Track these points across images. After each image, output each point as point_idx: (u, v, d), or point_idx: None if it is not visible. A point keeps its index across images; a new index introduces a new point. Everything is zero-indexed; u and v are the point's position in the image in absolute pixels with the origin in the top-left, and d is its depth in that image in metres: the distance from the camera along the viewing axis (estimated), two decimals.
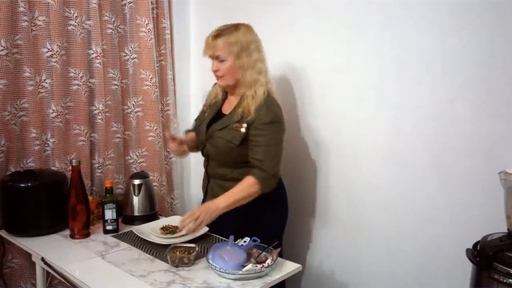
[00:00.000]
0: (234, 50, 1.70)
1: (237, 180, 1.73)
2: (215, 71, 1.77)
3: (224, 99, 1.90)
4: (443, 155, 1.72)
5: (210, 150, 1.86)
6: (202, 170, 2.00)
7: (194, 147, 2.00)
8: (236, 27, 1.74)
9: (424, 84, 1.74)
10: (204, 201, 1.96)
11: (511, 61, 1.52)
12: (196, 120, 2.02)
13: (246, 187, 1.69)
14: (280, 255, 1.61)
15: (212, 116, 1.88)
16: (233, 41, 1.70)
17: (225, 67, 1.73)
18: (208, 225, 1.75)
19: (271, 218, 1.90)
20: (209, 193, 1.95)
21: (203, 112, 1.99)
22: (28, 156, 2.02)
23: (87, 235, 1.88)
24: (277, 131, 1.75)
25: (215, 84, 1.92)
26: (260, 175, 1.70)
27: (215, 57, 1.75)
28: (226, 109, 1.86)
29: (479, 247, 1.38)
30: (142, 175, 2.12)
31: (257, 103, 1.71)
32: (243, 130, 1.73)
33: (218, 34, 1.72)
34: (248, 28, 1.77)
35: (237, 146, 1.74)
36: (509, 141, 1.55)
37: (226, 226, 1.77)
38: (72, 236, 1.86)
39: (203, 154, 1.93)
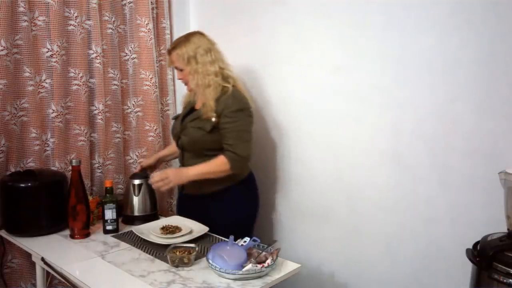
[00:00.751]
0: (185, 58, 1.92)
1: None
2: (180, 79, 2.02)
3: (195, 104, 2.08)
4: (443, 155, 1.72)
5: (184, 140, 2.00)
6: None
7: (173, 154, 2.26)
8: (186, 37, 1.96)
9: (424, 84, 1.74)
10: (181, 196, 2.17)
11: (511, 61, 1.52)
12: (173, 118, 2.25)
13: (217, 163, 1.88)
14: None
15: (186, 112, 2.08)
16: (184, 51, 1.92)
17: (184, 74, 1.96)
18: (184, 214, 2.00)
19: (242, 209, 2.03)
20: (186, 186, 2.04)
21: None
22: (28, 156, 2.02)
23: (87, 235, 1.88)
24: (245, 117, 1.92)
25: None
26: (231, 156, 1.87)
27: (176, 68, 2.01)
28: (198, 105, 2.03)
29: (479, 247, 1.38)
30: (142, 175, 2.12)
31: (216, 97, 1.90)
32: (213, 119, 1.89)
33: (172, 48, 1.97)
34: (198, 35, 1.97)
35: (207, 133, 1.91)
36: (509, 141, 1.55)
37: (201, 216, 1.95)
38: (72, 236, 1.86)
39: (178, 147, 2.08)
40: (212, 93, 1.90)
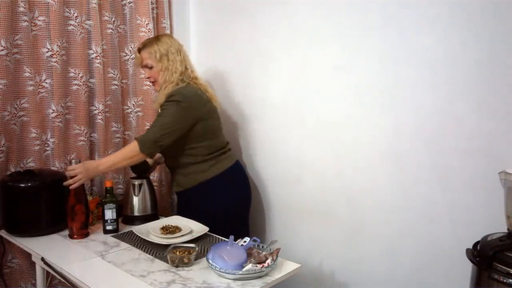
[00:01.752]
0: (157, 56, 1.99)
1: (194, 163, 2.02)
2: (148, 78, 2.07)
3: None
4: (443, 155, 1.71)
5: None
6: None
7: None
8: (156, 38, 2.05)
9: (424, 84, 1.73)
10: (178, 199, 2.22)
11: (511, 61, 1.52)
12: None
13: (126, 149, 1.92)
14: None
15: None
16: (156, 49, 1.99)
17: (153, 72, 2.01)
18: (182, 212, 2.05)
19: (230, 198, 2.08)
20: (174, 184, 2.13)
21: None
22: (28, 156, 2.02)
23: (86, 235, 1.88)
24: (176, 108, 1.91)
25: None
26: (141, 138, 1.90)
27: (145, 66, 2.04)
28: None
29: (479, 247, 1.38)
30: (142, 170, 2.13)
31: (167, 94, 1.95)
32: (160, 111, 1.96)
33: (142, 46, 2.03)
34: (168, 36, 2.09)
35: None
36: (509, 141, 1.55)
37: (188, 209, 2.06)
38: (71, 236, 1.86)
39: (161, 151, 2.07)
40: (167, 90, 1.96)
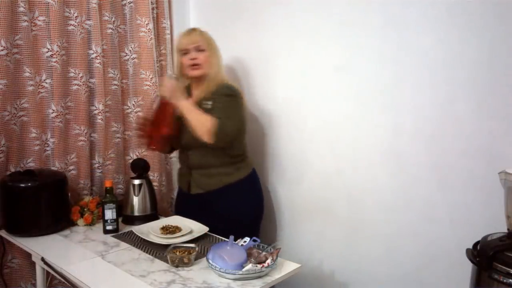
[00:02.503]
0: (210, 43, 1.96)
1: (220, 165, 1.95)
2: (193, 59, 1.94)
3: (189, 96, 2.01)
4: (443, 155, 1.72)
5: (189, 138, 1.92)
6: None
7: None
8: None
9: (424, 84, 1.74)
10: (183, 194, 2.10)
11: (511, 61, 1.52)
12: None
13: (206, 119, 1.81)
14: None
15: None
16: (209, 37, 1.97)
17: (204, 56, 1.93)
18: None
19: (247, 205, 2.03)
20: (193, 185, 2.02)
21: None
22: (28, 156, 2.02)
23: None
24: (236, 100, 1.91)
25: None
26: (217, 124, 1.80)
27: (194, 48, 1.93)
28: (196, 97, 1.99)
29: (479, 247, 1.38)
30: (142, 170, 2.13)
31: (217, 86, 1.92)
32: (208, 107, 1.89)
33: (194, 28, 1.98)
34: None
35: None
36: (509, 141, 1.55)
37: (206, 215, 1.96)
38: (149, 145, 1.93)
39: (183, 148, 2.04)
40: (215, 86, 1.92)
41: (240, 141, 2.02)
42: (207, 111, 1.86)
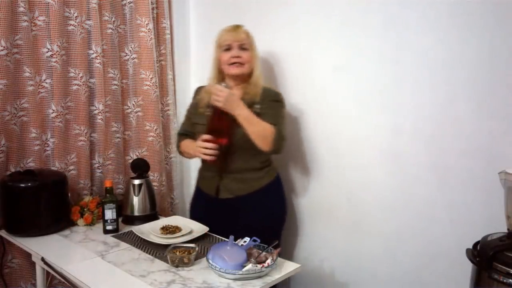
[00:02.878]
0: (254, 43, 1.91)
1: (252, 170, 1.91)
2: (236, 57, 1.86)
3: None
4: (443, 155, 1.72)
5: (238, 138, 1.81)
6: None
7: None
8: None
9: (424, 84, 1.74)
10: (209, 198, 1.97)
11: (511, 61, 1.52)
12: (193, 124, 2.01)
13: (264, 125, 1.76)
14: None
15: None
16: (252, 37, 1.92)
17: (247, 55, 1.88)
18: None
19: (273, 211, 1.97)
20: (222, 190, 1.92)
21: (199, 115, 1.96)
22: (28, 156, 2.02)
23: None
24: (282, 109, 1.93)
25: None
26: (275, 132, 1.77)
27: (237, 46, 1.87)
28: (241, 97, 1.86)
29: (479, 247, 1.38)
30: (142, 170, 2.13)
31: (261, 89, 1.89)
32: (257, 110, 1.82)
33: (239, 25, 1.91)
34: None
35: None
36: (509, 141, 1.55)
37: (232, 221, 1.87)
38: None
39: (225, 152, 1.84)
40: (260, 86, 1.89)
41: None
42: (256, 115, 1.79)
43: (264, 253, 1.55)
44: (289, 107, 2.19)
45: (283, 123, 1.88)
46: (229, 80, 1.93)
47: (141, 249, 1.74)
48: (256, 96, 1.85)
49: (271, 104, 1.86)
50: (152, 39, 2.37)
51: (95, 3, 2.13)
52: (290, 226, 2.29)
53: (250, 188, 1.91)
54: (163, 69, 2.52)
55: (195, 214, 2.08)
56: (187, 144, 1.99)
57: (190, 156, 2.04)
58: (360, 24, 1.89)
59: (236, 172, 1.90)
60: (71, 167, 2.14)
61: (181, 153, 2.08)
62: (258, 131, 1.75)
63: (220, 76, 1.95)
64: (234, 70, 1.88)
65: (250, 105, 1.80)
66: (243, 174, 1.90)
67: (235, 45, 1.87)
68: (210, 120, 1.83)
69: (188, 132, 2.05)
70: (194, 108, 2.04)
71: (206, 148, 1.76)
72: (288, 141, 2.21)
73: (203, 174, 2.04)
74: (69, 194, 2.02)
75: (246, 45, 1.88)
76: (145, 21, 2.34)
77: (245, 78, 1.91)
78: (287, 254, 1.84)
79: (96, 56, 2.17)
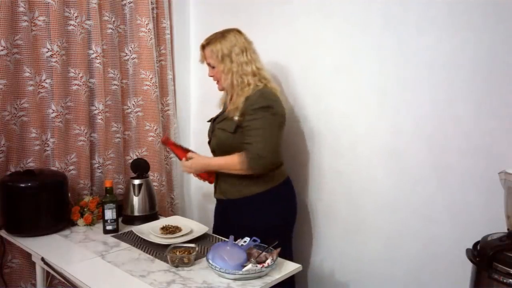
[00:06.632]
0: (219, 56, 1.84)
1: (242, 176, 1.83)
2: (210, 77, 1.92)
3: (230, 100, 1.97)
4: (443, 155, 1.71)
5: (213, 142, 1.95)
6: None
7: None
8: (222, 34, 1.87)
9: (424, 84, 1.74)
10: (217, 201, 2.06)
11: (511, 61, 1.52)
12: (208, 121, 2.10)
13: (233, 161, 1.80)
14: (289, 255, 1.61)
15: (218, 114, 2.01)
16: (218, 49, 1.84)
17: (215, 72, 1.88)
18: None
19: (275, 214, 1.90)
20: (217, 190, 1.98)
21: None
22: (28, 156, 2.02)
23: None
24: (269, 116, 1.78)
25: None
26: (247, 155, 1.76)
27: (208, 64, 1.91)
28: (230, 106, 1.91)
29: (479, 247, 1.38)
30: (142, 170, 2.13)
31: (246, 96, 1.81)
32: (236, 118, 1.81)
33: (206, 43, 1.88)
34: (235, 33, 1.88)
35: (232, 134, 1.83)
36: (509, 141, 1.55)
37: (234, 221, 1.91)
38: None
39: (210, 150, 2.00)
40: (246, 93, 1.81)
41: None
42: (234, 126, 1.81)
43: (264, 253, 1.55)
44: (289, 107, 2.20)
45: (263, 135, 1.76)
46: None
47: (141, 249, 1.74)
48: (236, 107, 1.81)
49: (253, 114, 1.77)
50: (152, 39, 2.37)
51: (95, 3, 2.13)
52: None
53: (239, 193, 1.88)
54: (163, 69, 2.52)
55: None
56: None
57: None
58: (360, 24, 1.89)
59: (225, 174, 1.90)
60: (71, 167, 2.15)
61: None
62: (229, 169, 1.84)
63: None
64: (217, 87, 1.94)
65: (228, 115, 1.85)
66: (231, 177, 1.88)
67: (207, 64, 1.92)
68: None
69: None
70: None
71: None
72: (288, 141, 2.22)
73: None
74: (69, 194, 2.03)
75: (211, 63, 1.88)
76: (145, 21, 2.34)
77: (235, 88, 1.87)
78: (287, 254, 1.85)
79: (96, 56, 2.17)
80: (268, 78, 1.89)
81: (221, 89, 1.93)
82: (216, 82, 1.92)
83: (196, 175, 2.00)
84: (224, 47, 1.83)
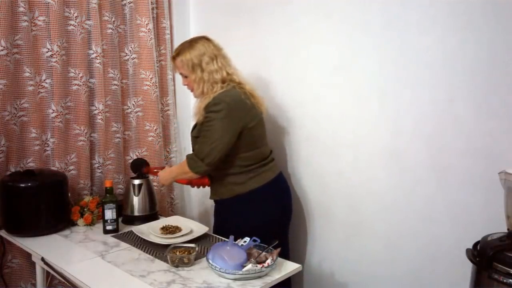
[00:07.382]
0: (189, 66, 1.86)
1: (236, 173, 1.87)
2: (185, 85, 1.96)
3: None
4: (443, 155, 1.71)
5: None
6: None
7: None
8: (190, 43, 1.89)
9: (424, 84, 1.74)
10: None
11: (511, 61, 1.52)
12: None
13: (182, 163, 1.92)
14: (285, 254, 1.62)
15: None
16: (188, 58, 1.86)
17: (187, 81, 1.91)
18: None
19: (262, 212, 1.91)
20: (212, 191, 2.00)
21: None
22: (28, 156, 2.02)
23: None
24: (217, 116, 1.78)
25: None
26: (190, 156, 1.86)
27: (180, 74, 1.94)
28: None
29: (479, 247, 1.38)
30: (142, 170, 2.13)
31: (205, 103, 1.83)
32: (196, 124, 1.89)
33: (176, 54, 1.90)
34: (203, 41, 1.89)
35: (196, 138, 1.89)
36: (509, 141, 1.55)
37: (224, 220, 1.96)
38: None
39: None
40: (208, 98, 1.82)
41: (252, 149, 1.87)
42: (196, 129, 1.90)
43: (264, 253, 1.55)
44: (289, 107, 2.20)
45: (208, 136, 1.79)
46: None
47: (141, 249, 1.74)
48: (200, 111, 1.85)
49: (207, 117, 1.80)
50: (152, 39, 2.37)
51: (95, 3, 2.13)
52: (290, 226, 2.29)
53: (231, 192, 1.89)
54: (163, 69, 2.52)
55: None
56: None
57: None
58: (360, 24, 1.89)
59: (216, 176, 1.92)
60: (71, 167, 2.15)
61: None
62: (184, 173, 1.90)
63: None
64: (193, 95, 1.96)
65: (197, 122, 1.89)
66: (223, 178, 1.90)
67: (180, 73, 1.95)
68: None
69: None
70: None
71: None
72: (288, 141, 2.22)
73: None
74: (69, 194, 2.03)
75: (183, 73, 1.90)
76: (145, 21, 2.34)
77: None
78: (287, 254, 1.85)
79: (96, 56, 2.17)
80: (237, 81, 1.89)
81: (196, 96, 1.94)
82: (190, 90, 1.94)
83: (190, 184, 2.02)
84: (194, 57, 1.85)
